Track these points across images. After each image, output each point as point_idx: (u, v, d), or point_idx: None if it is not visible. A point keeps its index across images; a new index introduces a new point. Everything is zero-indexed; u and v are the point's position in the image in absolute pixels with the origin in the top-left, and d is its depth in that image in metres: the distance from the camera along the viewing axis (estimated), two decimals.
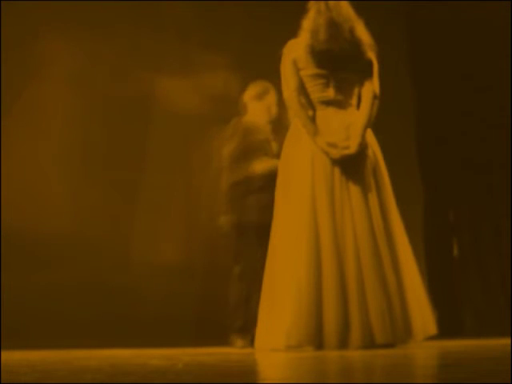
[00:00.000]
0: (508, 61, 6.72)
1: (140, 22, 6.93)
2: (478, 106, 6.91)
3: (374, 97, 4.47)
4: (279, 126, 5.43)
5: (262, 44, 6.26)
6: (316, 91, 4.49)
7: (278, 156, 5.26)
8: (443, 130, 6.97)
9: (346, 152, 4.40)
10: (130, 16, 6.90)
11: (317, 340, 4.21)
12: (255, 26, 6.88)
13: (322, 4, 4.45)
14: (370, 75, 4.48)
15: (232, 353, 4.56)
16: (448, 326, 6.29)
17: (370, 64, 4.49)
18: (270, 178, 5.18)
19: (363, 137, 4.43)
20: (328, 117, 4.47)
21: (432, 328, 4.40)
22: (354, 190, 4.37)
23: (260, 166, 5.30)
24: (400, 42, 6.99)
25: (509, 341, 4.45)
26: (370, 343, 4.17)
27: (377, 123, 4.54)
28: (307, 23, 4.48)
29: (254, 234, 5.21)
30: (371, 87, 4.47)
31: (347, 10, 4.46)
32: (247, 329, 5.15)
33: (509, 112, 6.79)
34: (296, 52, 4.49)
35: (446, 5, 6.84)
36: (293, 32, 4.55)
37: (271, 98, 5.43)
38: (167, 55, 6.95)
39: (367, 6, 4.56)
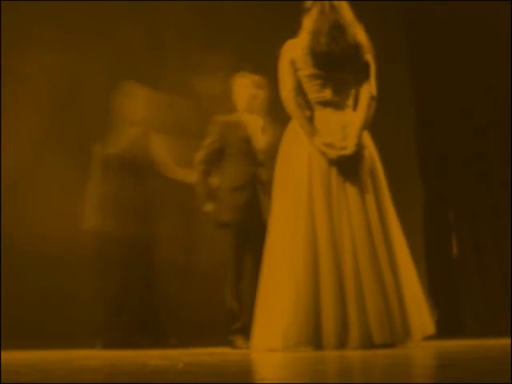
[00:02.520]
0: (508, 61, 6.72)
1: (139, 23, 6.93)
2: (477, 106, 6.90)
3: (371, 98, 4.48)
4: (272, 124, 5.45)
5: (262, 45, 6.26)
6: (313, 91, 4.50)
7: (255, 155, 5.30)
8: (443, 130, 6.97)
9: (343, 152, 4.40)
10: (130, 17, 6.89)
11: (315, 340, 4.21)
12: (255, 26, 6.88)
13: (326, 5, 4.44)
14: (367, 76, 4.49)
15: (232, 353, 4.56)
16: (448, 326, 6.29)
17: (367, 65, 4.50)
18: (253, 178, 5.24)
19: (360, 137, 4.44)
20: (325, 117, 4.47)
21: (430, 328, 4.40)
22: (351, 191, 4.37)
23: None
24: (400, 42, 6.99)
25: (509, 341, 4.45)
26: (368, 343, 4.17)
27: (376, 123, 4.55)
28: (308, 24, 4.48)
29: (252, 234, 5.22)
30: (368, 88, 4.48)
31: (348, 12, 4.47)
32: (247, 329, 5.15)
33: (509, 112, 6.78)
34: (294, 52, 4.49)
35: (445, 5, 6.84)
36: (293, 32, 4.55)
37: (259, 90, 5.43)
38: (167, 57, 6.95)
39: (367, 7, 4.56)
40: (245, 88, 5.43)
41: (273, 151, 4.88)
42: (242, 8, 6.88)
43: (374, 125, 4.54)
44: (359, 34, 4.46)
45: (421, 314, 4.38)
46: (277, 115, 5.10)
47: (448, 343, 4.90)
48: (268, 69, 5.03)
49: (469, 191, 6.92)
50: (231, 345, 5.20)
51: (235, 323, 5.24)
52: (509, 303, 6.56)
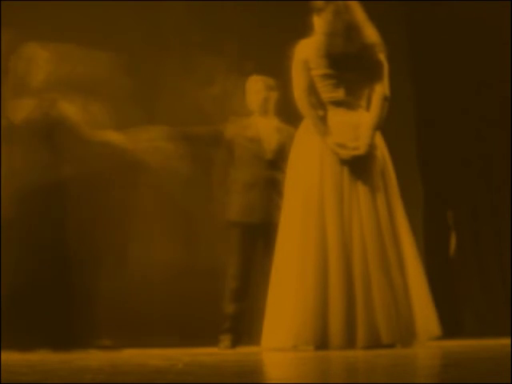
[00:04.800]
0: (508, 61, 6.72)
1: (139, 23, 6.93)
2: (478, 106, 6.91)
3: (384, 98, 4.47)
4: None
5: (264, 46, 6.26)
6: (326, 91, 4.49)
7: (266, 155, 5.30)
8: (443, 130, 6.97)
9: (356, 153, 4.40)
10: (130, 18, 6.89)
11: (323, 340, 4.20)
12: (256, 27, 6.88)
13: (341, 5, 4.42)
14: (380, 76, 4.48)
15: (232, 353, 4.56)
16: (448, 326, 6.29)
17: (380, 65, 4.48)
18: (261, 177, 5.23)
19: (372, 138, 4.44)
20: (338, 117, 4.47)
21: (436, 329, 4.40)
22: (362, 191, 4.37)
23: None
24: (400, 42, 6.98)
25: (509, 341, 4.45)
26: (375, 343, 4.17)
27: None
28: (322, 25, 4.45)
29: (261, 234, 5.22)
30: (381, 89, 4.47)
31: (361, 11, 4.46)
32: (234, 329, 5.15)
33: (509, 112, 6.78)
34: (307, 52, 4.48)
35: (445, 5, 6.84)
36: (296, 32, 4.55)
37: (272, 93, 5.42)
38: (167, 57, 6.94)
39: (367, 6, 4.55)
40: (258, 91, 5.43)
41: (285, 151, 4.89)
42: (243, 8, 6.87)
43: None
44: (372, 33, 4.46)
45: (427, 315, 4.38)
46: (286, 115, 5.10)
47: (448, 343, 4.90)
48: (270, 69, 5.04)
49: (469, 191, 6.92)
50: (218, 344, 5.18)
51: (225, 323, 5.23)
52: (509, 303, 6.56)
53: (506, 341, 4.73)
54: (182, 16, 6.99)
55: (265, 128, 5.42)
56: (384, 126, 4.57)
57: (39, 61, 5.41)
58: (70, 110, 5.42)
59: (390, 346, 4.20)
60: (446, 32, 6.92)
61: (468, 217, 6.92)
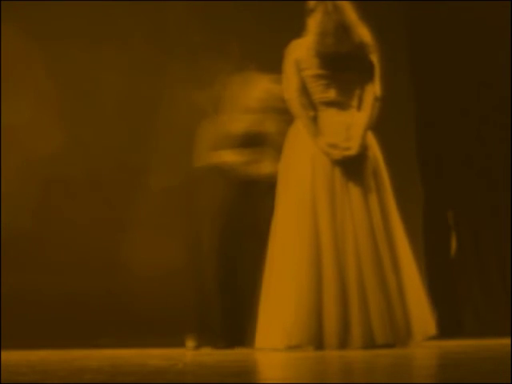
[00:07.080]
0: (508, 61, 6.72)
1: (141, 24, 6.93)
2: (478, 106, 6.91)
3: (376, 99, 4.47)
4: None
5: (265, 46, 6.26)
6: (317, 92, 4.49)
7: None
8: (443, 130, 6.97)
9: (347, 153, 4.40)
10: (132, 17, 6.90)
11: (317, 340, 4.21)
12: (258, 28, 6.88)
13: (329, 5, 4.42)
14: (371, 77, 4.48)
15: (231, 353, 4.56)
16: (448, 326, 6.29)
17: (371, 66, 4.49)
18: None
19: (364, 138, 4.44)
20: (329, 118, 4.47)
21: (431, 329, 4.40)
22: (355, 191, 4.37)
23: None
24: (400, 42, 6.98)
25: (509, 341, 4.45)
26: (370, 343, 4.18)
27: (377, 123, 4.54)
28: (313, 25, 4.46)
29: (241, 233, 5.20)
30: (373, 89, 4.48)
31: (352, 12, 4.46)
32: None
33: (509, 112, 6.78)
34: (299, 52, 4.48)
35: (445, 4, 6.84)
36: (297, 33, 4.55)
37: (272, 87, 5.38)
38: (169, 58, 6.95)
39: (366, 6, 4.55)
40: (257, 89, 5.41)
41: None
42: (245, 8, 6.88)
43: (374, 125, 4.53)
44: (364, 34, 4.46)
45: (423, 315, 4.38)
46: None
47: (448, 343, 4.90)
48: (272, 70, 5.03)
49: (469, 191, 6.92)
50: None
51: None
52: (509, 303, 6.56)
53: (506, 341, 4.73)
54: (184, 16, 6.99)
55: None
56: (384, 126, 4.58)
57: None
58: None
59: (387, 346, 4.20)
60: (445, 32, 6.91)
61: (468, 217, 6.92)
